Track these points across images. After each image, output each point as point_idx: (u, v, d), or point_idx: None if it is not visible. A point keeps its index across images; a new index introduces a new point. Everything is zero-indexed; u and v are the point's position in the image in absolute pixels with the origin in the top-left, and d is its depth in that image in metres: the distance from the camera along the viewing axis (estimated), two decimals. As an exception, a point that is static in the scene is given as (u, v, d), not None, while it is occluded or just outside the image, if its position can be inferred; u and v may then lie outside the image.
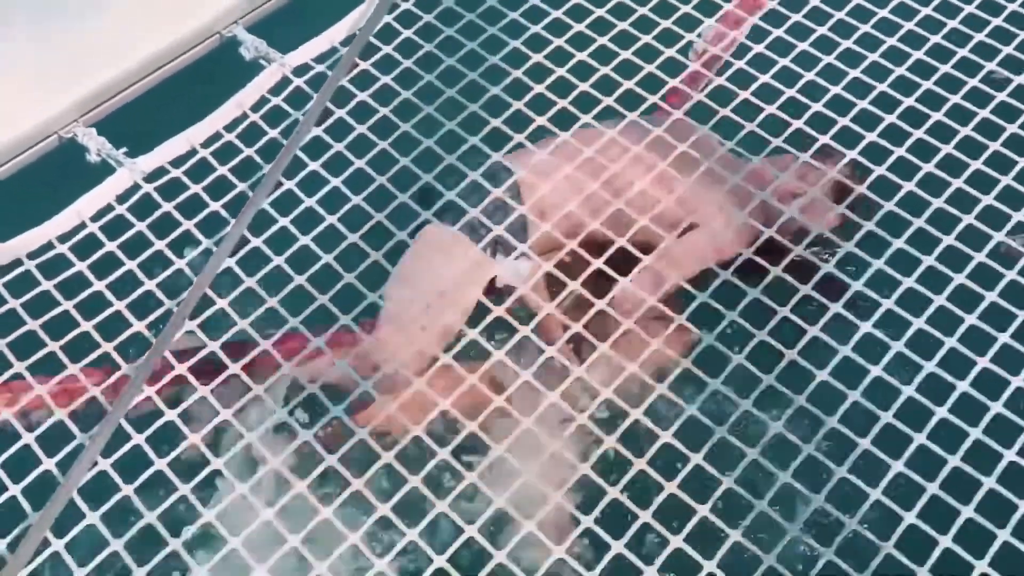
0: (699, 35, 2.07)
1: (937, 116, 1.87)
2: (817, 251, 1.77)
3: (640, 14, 2.05)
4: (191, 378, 1.63)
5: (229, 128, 1.94)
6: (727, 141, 1.94)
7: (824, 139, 1.88)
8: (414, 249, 1.95)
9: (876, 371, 1.57)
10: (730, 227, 1.97)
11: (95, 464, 1.53)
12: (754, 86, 1.94)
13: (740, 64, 1.99)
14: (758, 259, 1.78)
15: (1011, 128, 1.85)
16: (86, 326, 1.69)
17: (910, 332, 1.61)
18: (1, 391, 1.65)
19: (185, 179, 1.87)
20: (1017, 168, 1.80)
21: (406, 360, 1.83)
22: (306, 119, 1.90)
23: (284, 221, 1.81)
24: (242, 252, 1.77)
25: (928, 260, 1.68)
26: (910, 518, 1.42)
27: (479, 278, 1.97)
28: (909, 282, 1.66)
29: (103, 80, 1.97)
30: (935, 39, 1.99)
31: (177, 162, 1.90)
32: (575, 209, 1.86)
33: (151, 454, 1.55)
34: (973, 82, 1.92)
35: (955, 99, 1.90)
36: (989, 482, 1.44)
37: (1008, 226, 1.73)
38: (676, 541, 1.42)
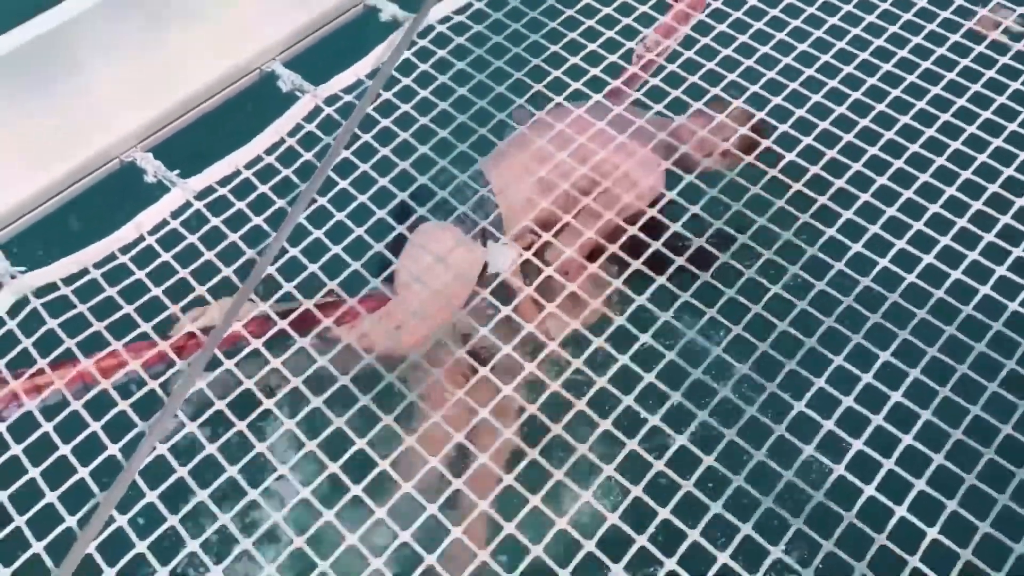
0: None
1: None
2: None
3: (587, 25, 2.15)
4: (236, 371, 1.66)
5: (269, 151, 1.96)
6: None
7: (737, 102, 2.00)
8: (414, 239, 2.01)
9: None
10: (647, 176, 2.11)
11: (154, 449, 1.55)
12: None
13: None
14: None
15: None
16: (145, 327, 1.72)
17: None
18: (73, 381, 1.68)
19: (231, 197, 1.89)
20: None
21: (423, 314, 1.96)
22: (336, 143, 1.93)
23: (318, 233, 1.83)
24: (281, 261, 1.79)
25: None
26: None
27: (474, 258, 2.07)
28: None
29: (159, 110, 2.01)
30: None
31: (224, 182, 1.92)
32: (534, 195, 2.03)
33: (202, 439, 1.58)
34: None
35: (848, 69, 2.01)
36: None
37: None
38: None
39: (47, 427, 1.60)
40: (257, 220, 1.85)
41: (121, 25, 1.91)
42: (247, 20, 2.08)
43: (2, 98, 1.82)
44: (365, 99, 1.99)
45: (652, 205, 1.87)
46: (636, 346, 1.64)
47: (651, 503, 1.47)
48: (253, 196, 1.89)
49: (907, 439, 1.50)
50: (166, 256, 1.81)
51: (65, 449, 1.57)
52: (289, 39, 2.14)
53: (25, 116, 1.88)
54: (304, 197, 1.85)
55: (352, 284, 1.79)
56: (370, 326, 1.89)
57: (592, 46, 2.11)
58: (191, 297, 1.76)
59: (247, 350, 1.70)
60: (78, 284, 1.77)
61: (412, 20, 2.14)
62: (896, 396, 1.55)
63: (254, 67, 2.10)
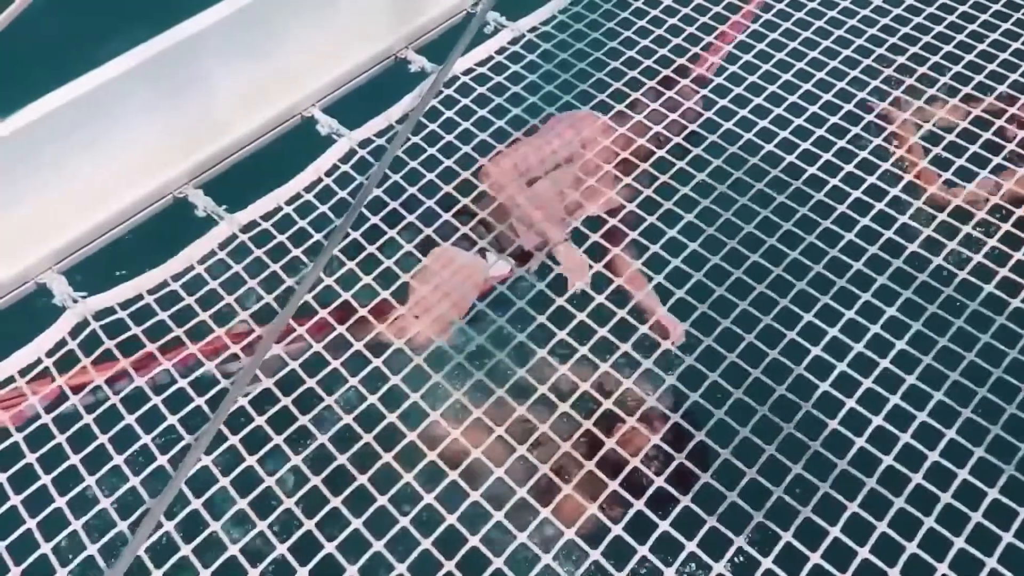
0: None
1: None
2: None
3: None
4: (276, 391, 1.65)
5: (308, 189, 1.96)
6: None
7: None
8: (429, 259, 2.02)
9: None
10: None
11: (199, 460, 1.54)
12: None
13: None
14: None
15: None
16: (192, 348, 1.72)
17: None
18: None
19: (273, 230, 1.89)
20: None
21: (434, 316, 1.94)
22: (369, 182, 1.92)
23: (351, 264, 1.83)
24: (318, 289, 1.79)
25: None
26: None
27: (479, 270, 2.08)
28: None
29: (209, 151, 2.01)
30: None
31: (266, 216, 1.92)
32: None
33: (244, 452, 1.57)
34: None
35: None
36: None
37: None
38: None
39: (103, 439, 1.59)
40: (296, 251, 1.85)
41: (175, 79, 1.91)
42: (290, 71, 2.09)
43: (69, 145, 1.83)
44: (395, 142, 1.99)
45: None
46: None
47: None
48: (293, 230, 1.89)
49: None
50: (213, 284, 1.81)
51: (119, 459, 1.56)
52: (327, 88, 2.15)
53: (88, 161, 1.88)
54: (339, 231, 1.84)
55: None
56: (405, 322, 1.86)
57: (601, 97, 2.11)
58: (235, 322, 1.76)
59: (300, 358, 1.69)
60: (132, 309, 1.77)
61: (439, 71, 2.14)
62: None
63: (295, 113, 2.11)
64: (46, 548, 1.46)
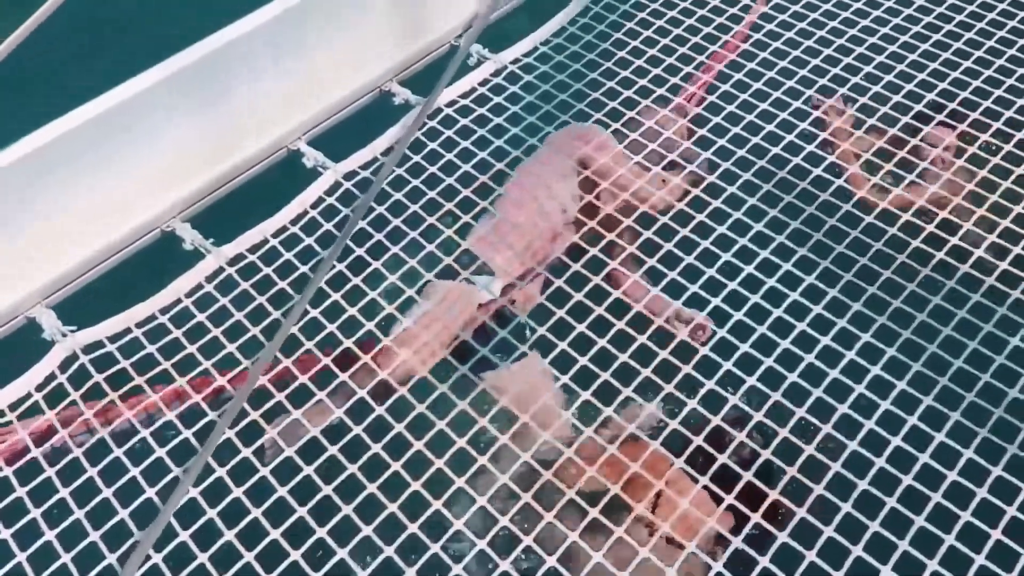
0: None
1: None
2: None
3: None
4: (263, 423, 1.69)
5: (294, 222, 2.00)
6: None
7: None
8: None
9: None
10: None
11: (187, 493, 1.57)
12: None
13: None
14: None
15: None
16: (180, 381, 1.75)
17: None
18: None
19: (259, 263, 1.92)
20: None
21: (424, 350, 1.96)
22: (355, 215, 1.96)
23: (336, 296, 1.86)
24: (303, 320, 1.81)
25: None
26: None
27: (470, 298, 2.11)
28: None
29: (196, 185, 2.06)
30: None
31: (253, 249, 1.95)
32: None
33: (231, 484, 1.58)
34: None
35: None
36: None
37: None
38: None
39: (92, 472, 1.62)
40: (282, 284, 1.88)
41: (161, 115, 1.95)
42: (276, 104, 2.13)
43: (56, 181, 1.87)
44: (381, 175, 2.03)
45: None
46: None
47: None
48: (279, 262, 1.92)
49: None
50: (201, 317, 1.84)
51: (108, 492, 1.59)
52: (313, 120, 2.20)
53: (77, 196, 1.91)
54: (325, 264, 1.87)
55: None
56: (403, 357, 1.90)
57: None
58: (222, 355, 1.79)
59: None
60: (121, 342, 1.80)
61: (423, 103, 2.19)
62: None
63: (282, 146, 2.15)
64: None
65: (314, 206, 2.02)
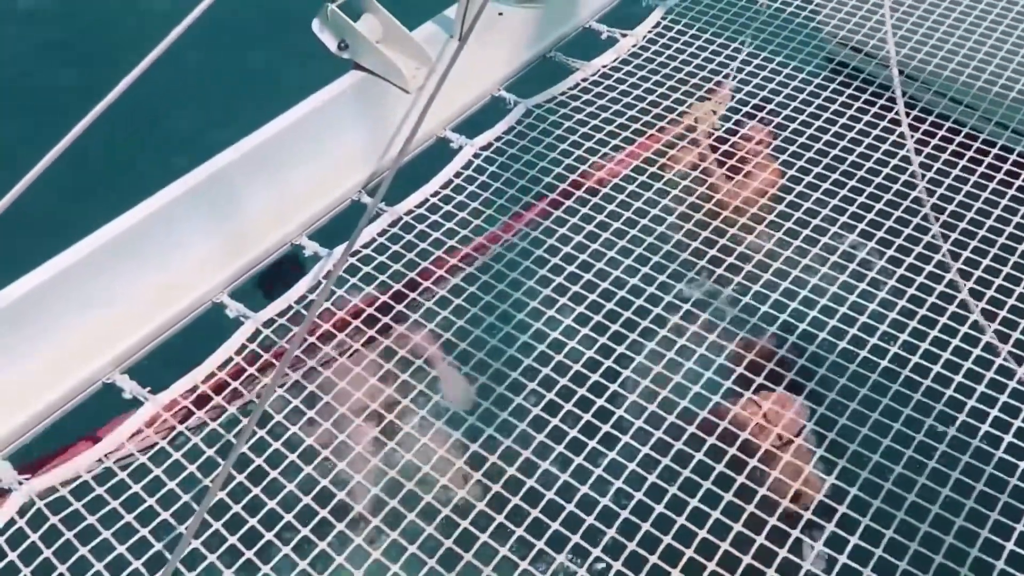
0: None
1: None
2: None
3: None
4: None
5: (221, 367, 2.32)
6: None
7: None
8: None
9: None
10: None
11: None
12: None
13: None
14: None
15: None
16: (141, 530, 2.05)
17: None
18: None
19: (192, 407, 2.25)
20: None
21: None
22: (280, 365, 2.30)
23: (259, 461, 2.21)
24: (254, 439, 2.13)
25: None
26: None
27: None
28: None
29: (132, 340, 2.38)
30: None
31: (185, 395, 2.26)
32: None
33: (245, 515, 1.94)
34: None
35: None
36: None
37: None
38: None
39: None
40: (213, 425, 2.22)
41: (101, 280, 2.31)
42: (200, 262, 2.50)
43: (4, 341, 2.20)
44: (302, 326, 2.28)
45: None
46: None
47: None
48: (210, 406, 2.26)
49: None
50: (143, 459, 2.15)
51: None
52: (235, 275, 2.56)
53: (22, 353, 2.24)
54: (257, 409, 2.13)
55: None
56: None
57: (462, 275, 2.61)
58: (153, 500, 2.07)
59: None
60: (73, 486, 2.09)
61: (330, 256, 2.58)
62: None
63: (207, 299, 2.51)
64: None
65: (238, 352, 2.37)
